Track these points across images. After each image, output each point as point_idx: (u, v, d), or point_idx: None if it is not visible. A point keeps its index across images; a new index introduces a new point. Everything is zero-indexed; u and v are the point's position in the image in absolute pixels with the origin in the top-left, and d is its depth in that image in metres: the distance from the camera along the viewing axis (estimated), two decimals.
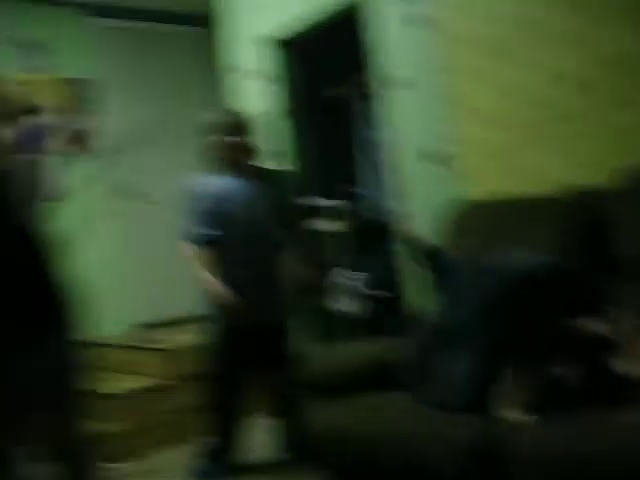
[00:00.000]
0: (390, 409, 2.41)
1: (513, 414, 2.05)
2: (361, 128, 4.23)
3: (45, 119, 5.04)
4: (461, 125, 3.15)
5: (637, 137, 2.55)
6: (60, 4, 5.21)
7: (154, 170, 5.53)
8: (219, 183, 3.21)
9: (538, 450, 1.89)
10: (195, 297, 3.29)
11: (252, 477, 3.32)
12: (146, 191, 5.42)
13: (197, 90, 5.84)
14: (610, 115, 2.63)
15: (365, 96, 4.06)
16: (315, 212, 4.02)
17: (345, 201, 4.21)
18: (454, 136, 3.18)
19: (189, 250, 3.18)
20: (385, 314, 3.92)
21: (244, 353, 3.20)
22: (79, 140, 5.24)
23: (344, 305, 3.94)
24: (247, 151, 3.22)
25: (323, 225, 4.03)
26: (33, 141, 5.10)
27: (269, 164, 3.69)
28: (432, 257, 2.73)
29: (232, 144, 3.16)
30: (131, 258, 5.32)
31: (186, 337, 4.28)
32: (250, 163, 3.27)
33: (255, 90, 4.30)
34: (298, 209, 3.51)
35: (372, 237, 4.23)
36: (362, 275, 3.98)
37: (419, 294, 3.28)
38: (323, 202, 4.07)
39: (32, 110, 4.97)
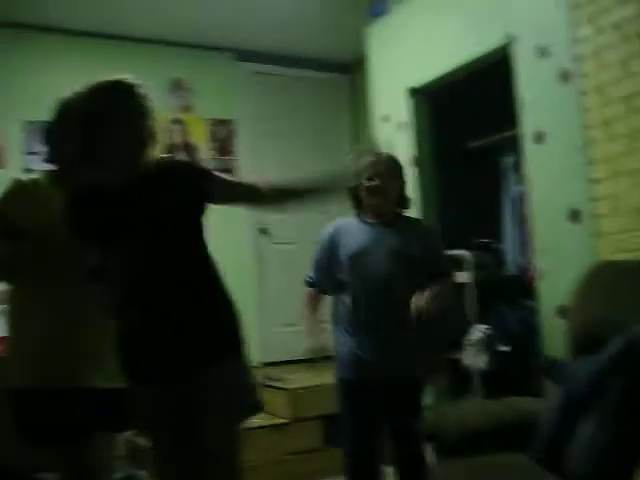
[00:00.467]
0: (509, 472, 2.33)
1: None
2: (502, 181, 4.17)
3: (200, 156, 5.30)
4: (603, 183, 3.04)
5: None
6: (210, 48, 5.47)
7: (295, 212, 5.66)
8: (354, 229, 2.97)
9: None
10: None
11: None
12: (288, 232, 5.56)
13: (340, 136, 5.96)
14: None
15: (508, 149, 4.01)
16: (453, 263, 3.95)
17: (479, 253, 4.14)
18: (595, 194, 3.07)
19: (305, 294, 3.05)
20: (515, 370, 3.80)
21: (369, 403, 2.92)
22: None
23: (473, 359, 3.84)
24: (388, 196, 2.92)
25: (458, 277, 3.97)
26: None
27: (414, 214, 3.46)
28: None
29: (372, 188, 2.89)
30: (264, 294, 5.44)
31: (313, 377, 4.28)
32: (393, 210, 2.99)
33: (399, 139, 4.32)
34: (446, 261, 3.20)
35: (504, 291, 4.13)
36: (492, 329, 3.88)
37: (552, 351, 3.17)
38: (459, 253, 4.00)
39: (189, 147, 5.26)
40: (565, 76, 3.20)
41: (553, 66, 3.26)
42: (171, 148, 5.11)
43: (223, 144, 5.50)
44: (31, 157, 4.69)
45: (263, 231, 5.53)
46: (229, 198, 2.26)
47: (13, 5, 4.53)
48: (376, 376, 2.86)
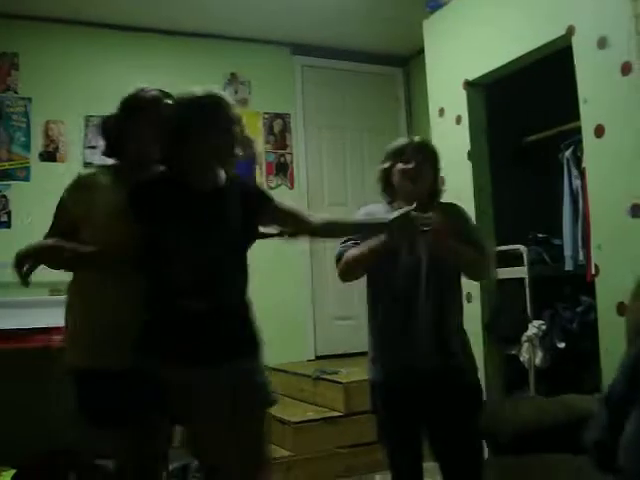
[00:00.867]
0: (559, 472, 2.30)
1: None
2: (561, 175, 4.10)
3: (256, 150, 5.36)
4: None
5: None
6: (266, 42, 5.52)
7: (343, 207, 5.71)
8: (384, 215, 2.66)
9: None
10: None
11: None
12: None
13: (396, 130, 5.95)
14: None
15: (566, 143, 3.95)
16: (506, 258, 3.91)
17: (536, 248, 4.08)
18: None
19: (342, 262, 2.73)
20: (571, 367, 3.74)
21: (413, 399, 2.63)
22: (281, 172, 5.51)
23: (529, 355, 3.80)
24: (422, 182, 2.69)
25: (512, 272, 3.92)
26: (246, 170, 5.45)
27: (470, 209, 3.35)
28: None
29: (407, 171, 2.68)
30: (318, 288, 5.48)
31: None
32: (425, 198, 2.70)
33: (454, 132, 4.29)
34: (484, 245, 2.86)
35: (561, 287, 4.08)
36: (548, 325, 3.83)
37: (610, 349, 3.10)
38: (515, 248, 3.96)
39: (245, 141, 5.32)
40: (626, 68, 3.13)
41: (614, 58, 3.18)
42: None
43: (278, 138, 5.54)
44: (90, 151, 4.81)
45: None
46: (278, 223, 2.44)
47: (75, 3, 4.64)
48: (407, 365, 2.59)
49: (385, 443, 2.72)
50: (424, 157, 2.72)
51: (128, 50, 5.09)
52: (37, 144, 4.79)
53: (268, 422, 2.43)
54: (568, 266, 3.86)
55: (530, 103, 4.17)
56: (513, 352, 3.89)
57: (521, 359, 3.80)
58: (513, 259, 3.93)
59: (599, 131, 3.28)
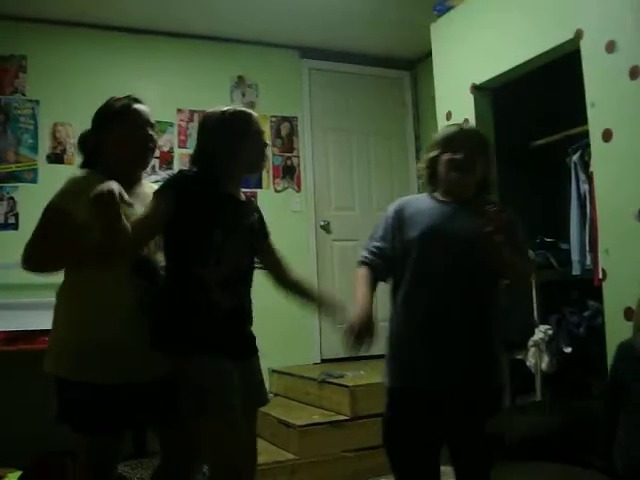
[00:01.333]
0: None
1: None
2: (568, 180, 4.08)
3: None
4: None
5: None
6: (273, 45, 5.52)
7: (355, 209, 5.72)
8: (425, 206, 2.55)
9: None
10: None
11: None
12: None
13: (403, 133, 5.95)
14: None
15: (573, 147, 3.94)
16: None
17: (544, 252, 4.07)
18: None
19: (359, 274, 2.55)
20: (578, 372, 3.73)
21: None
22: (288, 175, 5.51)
23: (535, 360, 3.79)
24: (471, 173, 2.51)
25: None
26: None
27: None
28: None
29: (455, 161, 2.49)
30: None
31: (374, 374, 4.28)
32: (473, 191, 2.56)
33: None
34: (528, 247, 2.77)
35: (568, 291, 4.06)
36: (555, 329, 3.82)
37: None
38: None
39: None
40: (634, 72, 3.12)
41: (622, 62, 3.18)
42: None
43: (285, 141, 5.54)
44: None
45: (325, 227, 5.56)
46: (263, 256, 2.57)
47: (83, 6, 4.65)
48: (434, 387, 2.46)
49: (401, 450, 2.60)
50: (474, 147, 2.52)
51: (136, 52, 5.10)
52: (45, 146, 4.80)
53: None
54: (575, 270, 3.85)
55: (537, 107, 4.17)
56: (519, 357, 3.88)
57: (527, 364, 3.79)
58: None
59: (607, 135, 3.27)
